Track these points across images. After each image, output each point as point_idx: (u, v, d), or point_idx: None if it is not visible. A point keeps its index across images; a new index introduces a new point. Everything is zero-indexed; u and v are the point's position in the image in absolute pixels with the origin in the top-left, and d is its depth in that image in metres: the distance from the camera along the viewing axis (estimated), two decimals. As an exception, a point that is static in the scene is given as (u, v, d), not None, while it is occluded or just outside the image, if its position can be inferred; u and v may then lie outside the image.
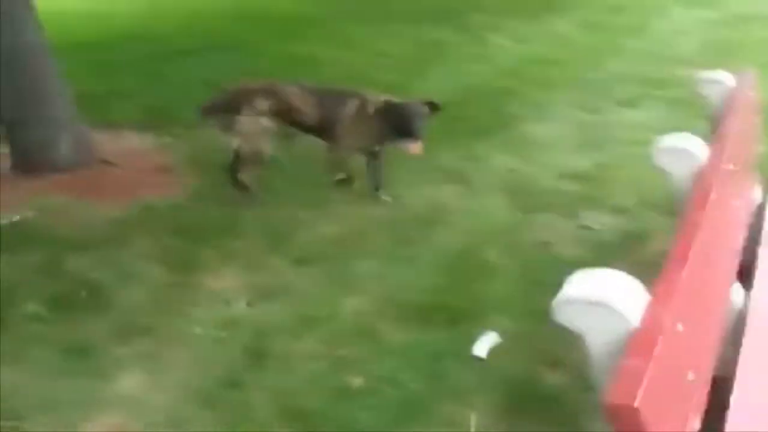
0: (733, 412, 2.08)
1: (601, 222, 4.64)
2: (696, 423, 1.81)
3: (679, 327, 1.76)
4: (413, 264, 4.18)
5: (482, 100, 6.56)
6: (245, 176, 4.73)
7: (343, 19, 10.03)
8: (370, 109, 4.61)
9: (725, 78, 3.80)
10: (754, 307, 2.63)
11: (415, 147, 4.52)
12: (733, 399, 2.14)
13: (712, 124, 3.73)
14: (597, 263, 2.02)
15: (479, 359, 3.37)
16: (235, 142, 4.67)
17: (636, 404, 1.43)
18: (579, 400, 2.99)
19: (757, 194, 3.56)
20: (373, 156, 4.86)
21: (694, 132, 3.26)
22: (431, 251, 4.30)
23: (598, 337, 1.80)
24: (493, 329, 3.54)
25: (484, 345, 3.44)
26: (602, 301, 1.78)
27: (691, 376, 1.82)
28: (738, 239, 2.86)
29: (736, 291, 2.69)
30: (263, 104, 4.64)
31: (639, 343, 1.65)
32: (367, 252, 4.28)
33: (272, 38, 8.90)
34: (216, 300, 3.85)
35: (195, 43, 8.60)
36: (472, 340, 3.47)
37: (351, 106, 4.67)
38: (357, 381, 3.23)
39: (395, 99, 4.68)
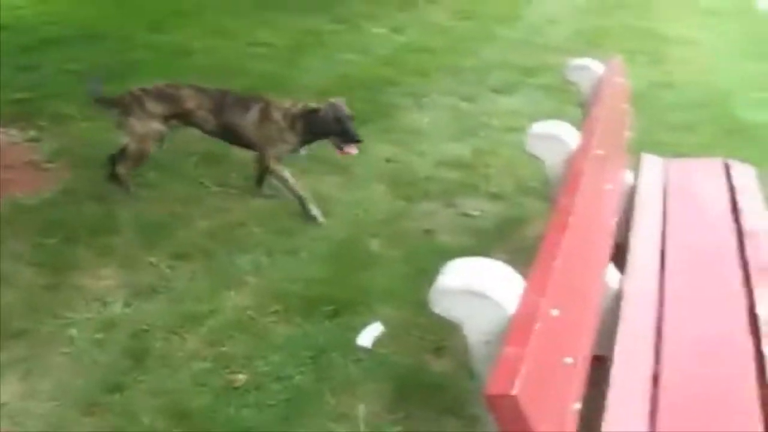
0: (612, 389, 2.15)
1: (480, 209, 4.72)
2: (576, 405, 1.85)
3: (555, 312, 1.80)
4: (295, 256, 4.14)
5: (360, 90, 6.55)
6: (123, 171, 4.60)
7: (216, 8, 9.83)
8: (276, 115, 4.50)
9: (593, 65, 3.92)
10: (628, 287, 2.72)
11: (352, 148, 4.50)
12: (612, 376, 2.21)
13: (583, 110, 3.84)
14: (478, 250, 2.05)
15: (365, 350, 3.38)
16: (124, 139, 4.58)
17: (514, 392, 1.45)
18: (465, 386, 3.03)
19: (627, 178, 3.68)
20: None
21: (568, 118, 3.34)
22: (313, 243, 4.27)
23: (475, 326, 1.83)
24: (378, 319, 3.56)
25: (369, 335, 3.45)
26: (477, 290, 1.81)
27: (568, 360, 1.86)
28: (610, 222, 2.95)
29: (611, 272, 2.78)
30: (155, 107, 4.54)
31: (515, 331, 1.67)
32: (248, 245, 4.22)
33: (142, 27, 8.62)
34: (92, 300, 3.71)
35: (62, 33, 8.24)
36: (356, 330, 3.48)
37: (254, 112, 4.54)
38: (241, 378, 3.19)
39: (311, 103, 4.57)
